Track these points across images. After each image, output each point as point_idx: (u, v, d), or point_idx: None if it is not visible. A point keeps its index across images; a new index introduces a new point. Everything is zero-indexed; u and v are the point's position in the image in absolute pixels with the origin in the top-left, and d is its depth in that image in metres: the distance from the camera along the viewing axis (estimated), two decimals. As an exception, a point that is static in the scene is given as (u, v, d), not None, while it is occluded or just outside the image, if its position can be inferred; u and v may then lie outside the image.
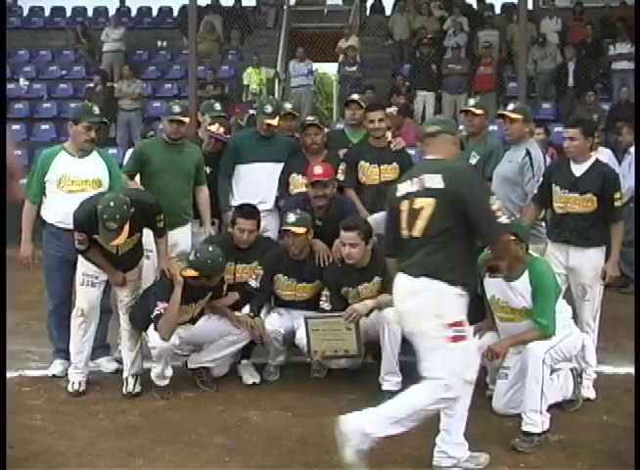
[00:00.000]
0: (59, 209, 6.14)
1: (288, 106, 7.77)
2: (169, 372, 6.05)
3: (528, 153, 6.43)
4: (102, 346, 6.50)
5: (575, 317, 5.81)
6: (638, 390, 4.78)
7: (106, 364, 6.50)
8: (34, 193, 6.29)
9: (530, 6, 18.11)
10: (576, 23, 16.77)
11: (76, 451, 5.00)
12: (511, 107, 6.78)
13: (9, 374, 6.26)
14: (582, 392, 5.68)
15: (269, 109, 7.10)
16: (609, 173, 6.09)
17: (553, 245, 6.12)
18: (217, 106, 7.53)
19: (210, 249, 5.95)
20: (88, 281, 6.07)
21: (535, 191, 6.26)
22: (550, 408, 5.29)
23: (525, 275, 5.32)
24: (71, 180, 6.22)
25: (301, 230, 6.13)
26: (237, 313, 6.27)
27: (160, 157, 6.75)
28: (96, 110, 6.43)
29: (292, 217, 6.17)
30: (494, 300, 5.50)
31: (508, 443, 5.01)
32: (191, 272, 5.82)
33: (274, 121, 7.06)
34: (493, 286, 5.49)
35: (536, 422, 5.00)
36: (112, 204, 5.53)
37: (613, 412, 4.87)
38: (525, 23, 13.70)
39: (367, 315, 6.02)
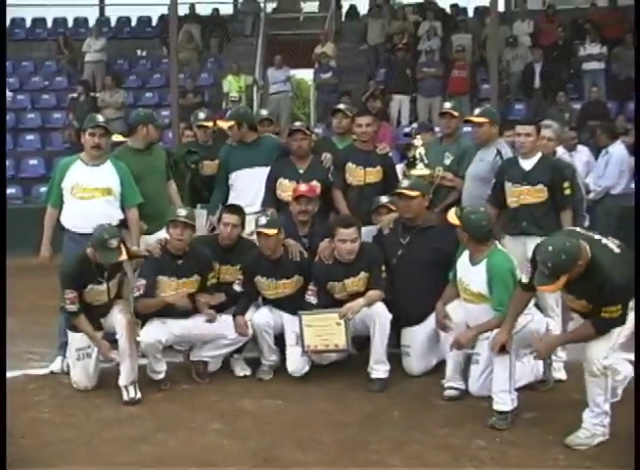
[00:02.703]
0: (73, 214, 6.61)
1: (264, 112, 8.48)
2: (160, 367, 6.41)
3: (499, 152, 6.87)
4: (112, 340, 6.56)
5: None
6: (638, 386, 5.11)
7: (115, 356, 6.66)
8: (54, 199, 6.78)
9: (502, 8, 18.67)
10: (548, 25, 17.13)
11: (84, 440, 5.36)
12: (476, 111, 7.21)
13: (14, 373, 6.62)
14: (553, 373, 6.09)
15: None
16: (556, 165, 6.59)
17: (511, 239, 6.49)
18: (201, 114, 8.15)
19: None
20: (84, 354, 6.37)
21: (489, 191, 6.67)
22: (523, 389, 5.74)
23: (484, 263, 5.74)
24: (83, 187, 6.67)
25: (273, 231, 6.43)
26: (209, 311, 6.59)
27: (134, 165, 7.06)
28: (99, 118, 6.96)
29: (263, 220, 6.49)
30: (460, 281, 5.93)
31: (484, 421, 5.43)
32: (191, 223, 6.38)
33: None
34: (461, 268, 5.93)
35: (506, 401, 5.42)
36: (106, 227, 6.14)
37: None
38: (497, 26, 14.12)
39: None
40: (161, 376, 6.41)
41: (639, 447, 4.45)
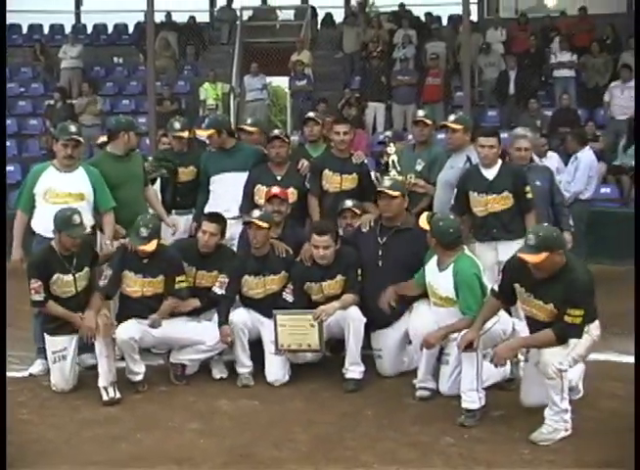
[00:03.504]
0: (44, 219, 6.62)
1: (248, 121, 8.54)
2: (138, 368, 6.53)
3: (469, 159, 7.07)
4: (85, 343, 6.66)
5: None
6: (638, 385, 5.20)
7: (87, 360, 6.79)
8: (23, 204, 6.90)
9: (476, 17, 18.94)
10: (520, 33, 17.36)
11: (65, 439, 5.50)
12: (452, 118, 7.39)
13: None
14: (520, 373, 6.23)
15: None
16: (517, 171, 6.84)
17: (481, 245, 6.73)
18: (176, 124, 8.19)
19: (148, 216, 6.73)
20: (59, 356, 6.47)
21: (452, 201, 6.88)
22: (491, 387, 5.93)
23: (450, 268, 5.92)
24: (56, 193, 6.78)
25: (265, 224, 6.59)
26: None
27: (113, 171, 7.19)
28: (72, 128, 7.01)
29: (256, 213, 6.67)
30: (429, 285, 6.11)
31: (454, 419, 5.62)
32: (151, 245, 6.45)
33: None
34: (430, 273, 6.10)
35: (474, 399, 5.62)
36: (67, 208, 6.38)
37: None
38: (469, 34, 14.35)
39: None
40: (140, 377, 6.52)
41: (639, 447, 4.55)
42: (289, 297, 6.70)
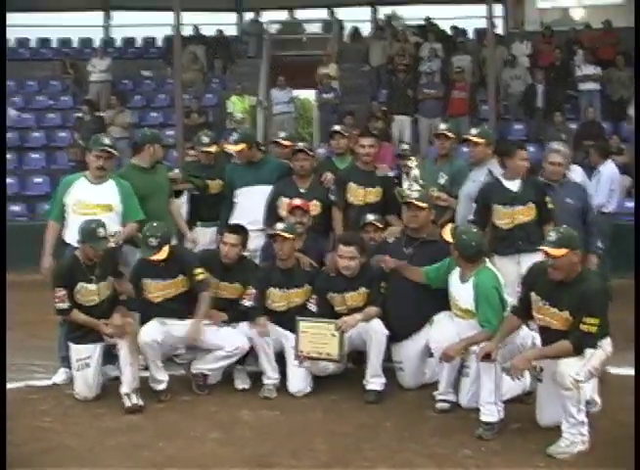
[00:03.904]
0: (75, 229, 6.69)
1: (281, 134, 8.55)
2: (162, 376, 6.62)
3: (490, 172, 7.10)
4: (108, 354, 6.77)
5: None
6: (638, 389, 5.32)
7: (111, 372, 6.85)
8: (55, 214, 7.05)
9: (501, 30, 18.93)
10: (546, 46, 17.35)
11: (87, 447, 5.59)
12: (474, 131, 7.40)
13: (15, 385, 6.81)
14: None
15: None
16: (538, 182, 6.93)
17: (502, 258, 6.71)
18: (204, 139, 8.23)
19: (155, 224, 6.67)
20: (83, 364, 6.57)
21: (471, 217, 6.89)
22: (510, 400, 5.94)
23: (471, 281, 5.97)
24: (85, 204, 6.92)
25: (290, 235, 6.67)
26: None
27: (140, 183, 7.31)
28: (106, 140, 7.16)
29: (280, 226, 6.76)
30: (451, 296, 6.16)
31: (472, 431, 5.65)
32: (163, 253, 6.52)
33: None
34: (452, 285, 6.16)
35: (492, 412, 5.64)
36: (91, 219, 6.52)
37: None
38: (494, 47, 14.40)
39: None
40: (163, 386, 6.61)
41: (639, 447, 4.60)
42: (313, 307, 6.77)
